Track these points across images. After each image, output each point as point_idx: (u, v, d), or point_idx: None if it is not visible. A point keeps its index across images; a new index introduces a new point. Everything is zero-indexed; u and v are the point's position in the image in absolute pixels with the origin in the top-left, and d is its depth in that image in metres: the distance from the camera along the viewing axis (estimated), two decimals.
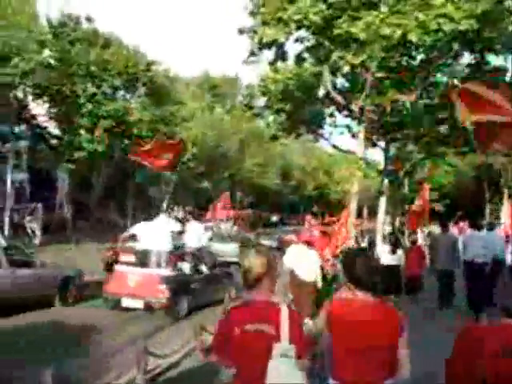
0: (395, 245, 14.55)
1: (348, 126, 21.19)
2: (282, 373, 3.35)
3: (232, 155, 50.85)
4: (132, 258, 12.96)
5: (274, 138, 21.36)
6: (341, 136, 23.14)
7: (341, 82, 19.98)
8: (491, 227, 15.19)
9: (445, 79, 17.04)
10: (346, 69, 15.01)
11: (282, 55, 17.15)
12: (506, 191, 57.51)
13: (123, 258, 13.19)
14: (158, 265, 12.69)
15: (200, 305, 12.84)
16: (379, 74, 15.59)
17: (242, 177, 53.21)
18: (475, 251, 13.13)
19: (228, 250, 22.76)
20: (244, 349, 3.45)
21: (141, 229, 13.53)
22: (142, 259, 12.74)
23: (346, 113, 20.45)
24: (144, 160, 15.56)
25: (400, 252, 14.46)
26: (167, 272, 12.56)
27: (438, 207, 55.15)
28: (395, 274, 13.93)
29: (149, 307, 11.99)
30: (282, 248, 26.56)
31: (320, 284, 11.38)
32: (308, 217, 36.00)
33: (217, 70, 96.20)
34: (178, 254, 13.60)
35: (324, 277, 11.79)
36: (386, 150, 21.95)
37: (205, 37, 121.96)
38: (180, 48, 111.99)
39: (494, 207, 57.30)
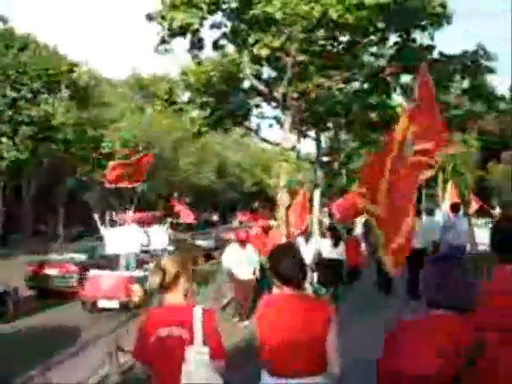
0: (337, 238, 14.01)
1: (276, 118, 20.04)
2: (196, 376, 3.30)
3: (166, 156, 49.17)
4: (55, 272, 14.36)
5: (199, 134, 19.90)
6: (273, 129, 22.03)
7: (266, 70, 18.93)
8: (430, 213, 15.87)
9: (372, 59, 16.04)
10: (266, 53, 13.71)
11: (198, 43, 15.81)
12: (440, 175, 58.04)
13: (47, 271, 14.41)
14: (128, 267, 13.58)
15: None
16: (301, 58, 14.42)
17: (178, 177, 51.53)
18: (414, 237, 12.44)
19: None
20: (160, 353, 3.41)
21: (107, 234, 14.12)
22: (113, 263, 13.74)
23: (274, 104, 19.32)
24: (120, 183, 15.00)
25: (342, 245, 13.93)
26: (138, 273, 13.40)
27: None
28: (337, 267, 13.53)
29: (124, 307, 12.48)
30: (219, 248, 25.59)
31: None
32: (239, 214, 34.31)
33: (148, 69, 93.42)
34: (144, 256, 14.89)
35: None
36: (317, 140, 20.91)
37: (134, 36, 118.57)
38: (109, 50, 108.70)
39: (430, 192, 57.48)
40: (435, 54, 14.07)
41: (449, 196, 21.22)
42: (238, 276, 11.34)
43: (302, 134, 20.87)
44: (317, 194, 20.30)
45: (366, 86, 18.15)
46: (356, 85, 18.65)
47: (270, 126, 20.36)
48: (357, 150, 27.57)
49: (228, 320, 11.23)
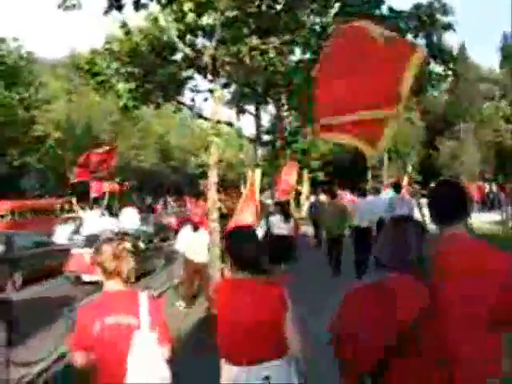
0: (286, 213, 14.23)
1: (211, 91, 18.06)
2: (143, 362, 3.23)
3: (104, 138, 46.56)
4: None
5: (126, 108, 17.65)
6: (209, 104, 20.05)
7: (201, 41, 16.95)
8: (376, 192, 16.65)
9: (317, 20, 14.07)
10: (189, 6, 11.64)
11: (116, 1, 13.65)
12: (385, 155, 57.16)
13: None
14: None
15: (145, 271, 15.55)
16: (232, 13, 12.38)
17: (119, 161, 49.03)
18: (361, 216, 13.74)
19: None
20: (106, 342, 3.34)
21: (85, 217, 16.42)
22: (93, 242, 13.14)
23: (210, 77, 17.36)
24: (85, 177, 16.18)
25: (291, 221, 14.27)
26: None
27: (321, 176, 53.61)
28: (287, 243, 13.78)
29: None
30: (158, 233, 23.70)
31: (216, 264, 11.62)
32: (187, 198, 32.88)
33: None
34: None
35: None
36: (256, 117, 19.03)
37: (70, 15, 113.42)
38: (47, 29, 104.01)
39: (376, 172, 56.70)
40: (384, 10, 12.37)
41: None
42: (191, 259, 11.60)
43: (240, 109, 18.97)
44: (257, 174, 18.47)
45: (308, 54, 16.34)
46: (297, 52, 16.78)
47: (205, 100, 18.37)
48: (300, 128, 25.94)
49: (172, 305, 11.62)
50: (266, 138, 20.65)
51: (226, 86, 18.08)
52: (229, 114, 21.55)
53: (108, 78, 16.47)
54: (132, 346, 3.25)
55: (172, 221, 32.36)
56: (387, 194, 16.80)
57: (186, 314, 11.07)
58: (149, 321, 3.35)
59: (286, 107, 21.17)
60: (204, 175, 62.86)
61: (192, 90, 18.12)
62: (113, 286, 3.51)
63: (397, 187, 14.56)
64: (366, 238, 13.26)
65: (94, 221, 15.26)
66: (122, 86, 16.76)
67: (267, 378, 3.48)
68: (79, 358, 3.45)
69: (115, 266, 3.47)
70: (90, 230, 14.92)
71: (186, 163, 62.59)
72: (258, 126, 18.86)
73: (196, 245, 11.62)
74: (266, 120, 21.81)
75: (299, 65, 16.26)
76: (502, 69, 63.94)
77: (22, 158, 37.00)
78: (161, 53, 16.15)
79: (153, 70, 16.07)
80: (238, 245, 3.72)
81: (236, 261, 3.70)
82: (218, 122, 18.93)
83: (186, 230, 12.16)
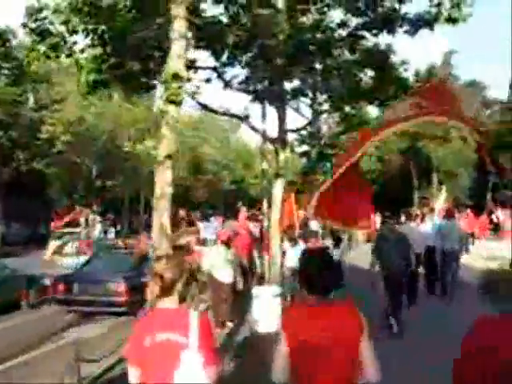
0: (337, 238, 13.79)
1: (216, 69, 12.56)
2: (189, 382, 3.15)
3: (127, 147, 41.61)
4: None
5: (90, 87, 12.10)
6: (214, 87, 14.46)
7: None
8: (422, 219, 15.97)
9: None
10: None
11: None
12: (435, 176, 50.90)
13: None
14: None
15: None
16: None
17: (144, 173, 43.78)
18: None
19: None
20: (153, 359, 3.25)
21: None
22: None
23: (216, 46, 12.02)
24: None
25: (343, 246, 14.15)
26: None
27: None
28: (338, 269, 11.21)
29: None
30: None
31: (240, 285, 11.50)
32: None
33: None
34: None
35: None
36: (278, 107, 13.23)
37: None
38: None
39: (422, 194, 50.62)
40: None
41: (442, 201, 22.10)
42: (218, 279, 10.86)
43: (251, 94, 13.36)
44: (279, 185, 12.93)
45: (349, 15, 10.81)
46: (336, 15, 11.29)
47: (207, 81, 12.86)
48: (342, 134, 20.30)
49: None
50: (291, 136, 14.77)
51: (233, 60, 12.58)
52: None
53: (59, 40, 11.11)
54: (180, 366, 3.15)
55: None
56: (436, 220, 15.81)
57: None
58: (197, 341, 3.22)
59: (323, 97, 15.51)
60: (240, 192, 57.66)
61: (188, 67, 12.66)
62: (167, 303, 3.38)
63: (449, 214, 14.07)
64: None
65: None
66: (84, 57, 11.44)
67: None
68: (131, 374, 3.35)
69: (172, 284, 3.37)
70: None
71: (220, 178, 57.07)
72: (281, 121, 13.09)
73: (223, 264, 10.92)
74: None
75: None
76: None
77: (30, 163, 32.13)
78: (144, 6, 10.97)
79: (129, 29, 10.79)
80: (311, 268, 3.58)
81: (312, 284, 3.53)
82: (231, 115, 13.57)
83: (214, 248, 11.55)
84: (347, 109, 18.49)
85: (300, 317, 3.53)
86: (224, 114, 13.33)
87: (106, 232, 26.08)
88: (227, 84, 12.67)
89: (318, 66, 12.43)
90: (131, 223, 47.07)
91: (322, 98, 16.60)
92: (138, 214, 47.50)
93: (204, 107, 13.26)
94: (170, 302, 3.41)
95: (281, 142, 13.00)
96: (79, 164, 38.80)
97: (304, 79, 14.93)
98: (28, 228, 37.49)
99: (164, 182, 7.53)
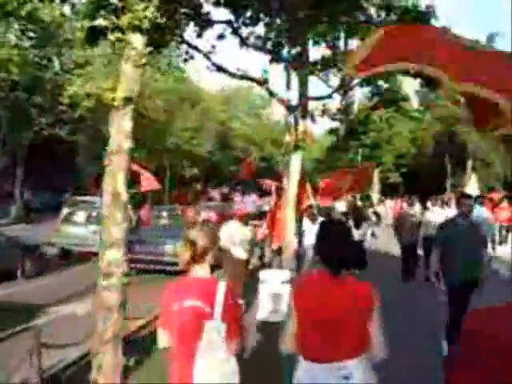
0: (358, 219, 13.54)
1: (230, 23, 10.98)
2: (211, 352, 3.22)
3: (157, 118, 40.35)
4: None
5: (88, 34, 10.61)
6: (232, 48, 12.96)
7: None
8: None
9: None
10: None
11: None
12: (469, 163, 48.61)
13: None
14: None
15: None
16: None
17: (171, 144, 42.53)
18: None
19: None
20: (180, 324, 3.32)
21: None
22: None
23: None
24: None
25: (365, 226, 13.95)
26: None
27: (395, 178, 45.58)
28: (360, 249, 12.34)
29: None
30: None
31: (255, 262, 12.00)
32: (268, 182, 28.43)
33: None
34: None
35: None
36: (297, 68, 11.60)
37: None
38: None
39: (455, 181, 48.47)
40: None
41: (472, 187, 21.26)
42: (233, 254, 10.23)
43: (270, 53, 11.77)
44: (297, 158, 11.46)
45: None
46: None
47: (220, 37, 11.31)
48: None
49: None
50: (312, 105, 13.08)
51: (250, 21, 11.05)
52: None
53: None
54: (203, 335, 3.19)
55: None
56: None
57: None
58: (222, 311, 3.24)
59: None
60: (268, 170, 56.20)
61: (201, 26, 11.17)
62: (198, 271, 3.44)
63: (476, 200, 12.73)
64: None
65: None
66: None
67: (347, 377, 3.29)
68: (161, 338, 3.44)
69: (204, 251, 3.41)
70: None
71: (249, 154, 55.58)
72: (303, 86, 11.50)
73: (237, 239, 10.41)
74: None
75: None
76: None
77: (52, 128, 31.06)
78: None
79: None
80: (333, 239, 3.49)
81: (327, 256, 3.45)
82: (248, 78, 12.11)
83: (231, 223, 10.74)
84: (380, 82, 16.85)
85: (311, 288, 3.47)
86: (241, 77, 11.80)
87: None
88: (243, 41, 11.14)
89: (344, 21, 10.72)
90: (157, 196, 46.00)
91: None
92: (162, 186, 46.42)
93: (219, 68, 11.73)
94: (201, 270, 3.42)
95: (301, 109, 11.45)
96: (103, 132, 37.74)
97: (329, 44, 13.37)
98: (55, 195, 36.59)
99: (122, 132, 5.97)
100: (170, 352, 3.40)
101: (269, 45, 11.59)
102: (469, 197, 8.33)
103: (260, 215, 18.32)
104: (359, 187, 18.78)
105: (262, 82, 11.79)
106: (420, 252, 14.44)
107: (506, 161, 50.38)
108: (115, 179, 5.97)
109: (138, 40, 6.37)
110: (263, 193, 35.80)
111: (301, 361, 3.46)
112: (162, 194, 43.81)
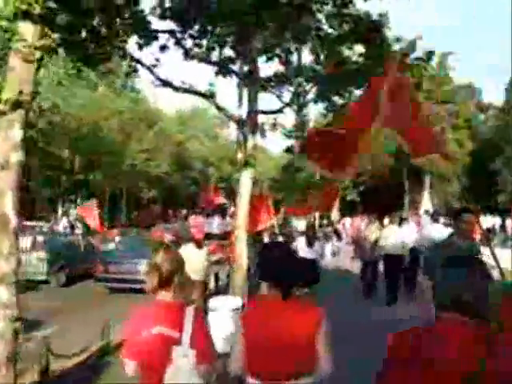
0: (312, 237, 12.58)
1: (173, 33, 10.24)
2: (179, 379, 3.16)
3: (113, 139, 39.37)
4: None
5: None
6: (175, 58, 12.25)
7: None
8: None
9: None
10: None
11: None
12: (427, 180, 48.71)
13: None
14: None
15: None
16: None
17: (127, 166, 41.48)
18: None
19: None
20: (148, 352, 3.24)
21: None
22: None
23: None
24: None
25: (317, 245, 12.75)
26: None
27: (353, 196, 45.39)
28: (313, 267, 10.48)
29: None
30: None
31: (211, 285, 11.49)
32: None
33: None
34: None
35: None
36: (249, 84, 11.01)
37: None
38: None
39: (413, 198, 48.51)
40: None
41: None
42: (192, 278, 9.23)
43: (215, 65, 11.11)
44: (246, 175, 10.83)
45: None
46: None
47: (163, 48, 10.58)
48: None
49: None
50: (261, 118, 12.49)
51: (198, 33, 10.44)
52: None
53: None
54: (171, 361, 3.12)
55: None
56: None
57: None
58: (190, 337, 3.19)
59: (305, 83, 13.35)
60: (227, 190, 55.53)
61: (139, 35, 10.46)
62: (163, 296, 3.34)
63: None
64: (398, 266, 13.16)
65: None
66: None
67: None
68: (127, 367, 3.34)
69: (170, 276, 3.34)
70: None
71: (206, 175, 54.73)
72: (252, 101, 10.91)
73: (196, 263, 9.90)
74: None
75: None
76: None
77: None
78: None
79: None
80: (277, 261, 3.41)
81: (272, 278, 3.39)
82: (195, 92, 11.46)
83: (188, 246, 10.42)
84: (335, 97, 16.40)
85: (260, 311, 3.43)
86: (186, 90, 11.12)
87: (72, 227, 23.77)
88: (187, 53, 10.47)
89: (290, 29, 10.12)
90: (114, 218, 44.79)
91: (304, 83, 14.45)
92: (119, 209, 45.26)
93: (164, 83, 11.05)
94: (167, 295, 3.35)
95: (251, 124, 10.83)
96: (59, 156, 36.65)
97: (282, 60, 12.87)
98: None
99: (9, 143, 5.09)
100: (139, 381, 3.34)
101: (214, 56, 10.94)
102: (469, 211, 6.51)
103: (225, 236, 18.20)
104: (325, 206, 18.86)
105: (209, 96, 11.14)
106: (381, 269, 14.21)
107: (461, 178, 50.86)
108: (2, 201, 5.00)
109: (27, 29, 5.49)
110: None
111: (248, 382, 3.40)
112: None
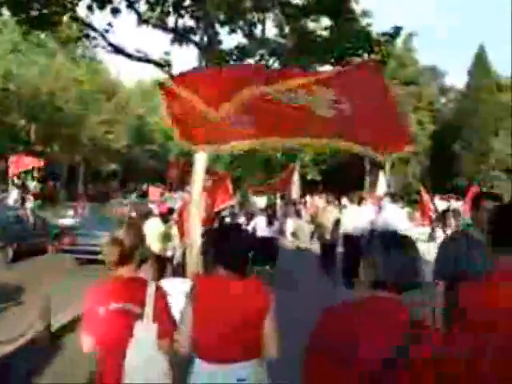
0: (272, 216, 13.59)
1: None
2: (140, 353, 3.12)
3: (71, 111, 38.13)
4: None
5: None
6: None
7: None
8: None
9: None
10: None
11: None
12: (388, 159, 48.62)
13: None
14: None
15: None
16: None
17: (85, 138, 40.27)
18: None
19: None
20: (108, 328, 3.19)
21: None
22: None
23: None
24: None
25: (277, 224, 13.79)
26: None
27: (313, 175, 45.11)
28: (271, 246, 13.06)
29: None
30: None
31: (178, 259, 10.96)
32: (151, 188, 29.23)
33: None
34: None
35: None
36: (208, 55, 10.33)
37: None
38: None
39: (374, 178, 48.48)
40: None
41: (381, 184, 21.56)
42: (156, 252, 10.14)
43: (171, 32, 10.43)
44: (200, 155, 10.20)
45: None
46: None
47: (115, 11, 9.78)
48: None
49: None
50: None
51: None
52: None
53: None
54: (133, 336, 3.10)
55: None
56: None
57: None
58: (152, 312, 3.16)
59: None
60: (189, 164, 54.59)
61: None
62: (124, 271, 3.30)
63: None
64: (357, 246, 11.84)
65: None
66: None
67: (243, 379, 3.22)
68: (84, 343, 3.31)
69: (131, 252, 3.30)
70: None
71: (167, 149, 53.66)
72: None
73: (157, 236, 10.20)
74: None
75: None
76: None
77: None
78: None
79: None
80: (226, 240, 3.39)
81: (221, 257, 3.37)
82: (148, 60, 10.74)
83: (154, 221, 10.64)
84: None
85: (208, 288, 3.36)
86: (139, 59, 10.39)
87: (23, 200, 22.78)
88: (141, 18, 9.74)
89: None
90: (70, 191, 43.63)
91: (267, 56, 13.84)
92: (76, 182, 44.07)
93: (116, 49, 10.30)
94: (128, 270, 3.32)
95: None
96: (14, 125, 35.38)
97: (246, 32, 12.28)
98: None
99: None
100: (97, 356, 3.29)
101: (171, 22, 10.22)
102: (494, 198, 4.70)
103: None
104: (284, 186, 18.78)
105: (164, 65, 10.43)
106: (340, 249, 13.93)
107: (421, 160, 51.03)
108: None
109: None
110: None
111: (196, 361, 3.34)
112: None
